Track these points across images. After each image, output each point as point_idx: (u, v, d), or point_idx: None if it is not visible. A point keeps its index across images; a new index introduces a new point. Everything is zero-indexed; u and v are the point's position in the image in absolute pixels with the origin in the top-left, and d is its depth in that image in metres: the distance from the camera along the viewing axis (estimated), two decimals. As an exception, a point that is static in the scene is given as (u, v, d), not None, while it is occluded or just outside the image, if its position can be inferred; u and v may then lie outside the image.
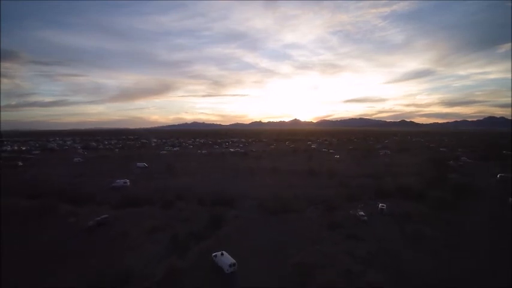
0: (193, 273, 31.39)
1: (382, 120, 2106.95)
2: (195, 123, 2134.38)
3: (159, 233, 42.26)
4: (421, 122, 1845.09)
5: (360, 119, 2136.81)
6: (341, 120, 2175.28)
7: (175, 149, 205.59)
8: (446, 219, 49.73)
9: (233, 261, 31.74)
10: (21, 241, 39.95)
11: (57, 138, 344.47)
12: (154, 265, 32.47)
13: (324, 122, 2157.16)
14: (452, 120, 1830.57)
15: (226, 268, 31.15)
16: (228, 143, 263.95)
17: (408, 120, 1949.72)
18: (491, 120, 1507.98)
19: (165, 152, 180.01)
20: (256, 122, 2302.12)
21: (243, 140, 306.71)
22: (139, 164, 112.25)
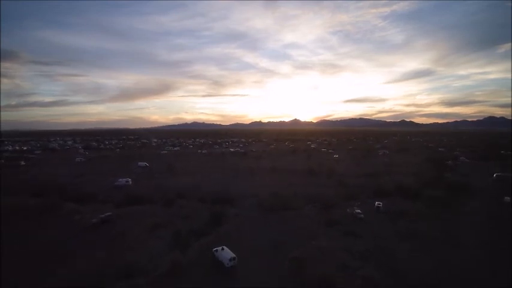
0: (194, 268, 32.64)
1: (382, 120, 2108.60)
2: (195, 123, 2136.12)
3: (161, 230, 43.54)
4: (421, 122, 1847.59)
5: (360, 119, 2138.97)
6: (341, 120, 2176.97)
7: (175, 148, 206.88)
8: (441, 217, 50.99)
9: (233, 255, 33.02)
10: (29, 237, 41.20)
11: (58, 138, 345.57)
12: (158, 259, 33.72)
13: (324, 122, 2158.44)
14: (452, 120, 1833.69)
15: (227, 262, 32.42)
16: (228, 143, 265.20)
17: (408, 120, 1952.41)
18: (491, 120, 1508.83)
19: (165, 151, 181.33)
20: (256, 122, 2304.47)
21: (243, 140, 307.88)
22: (140, 164, 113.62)
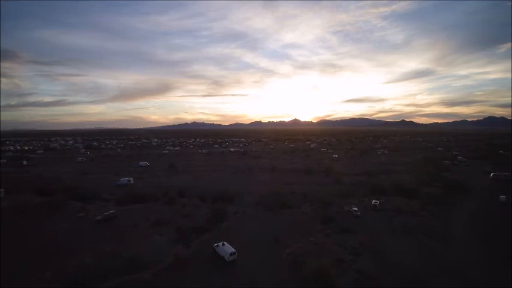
0: (196, 262, 34.18)
1: (382, 120, 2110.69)
2: (194, 123, 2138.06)
3: (164, 227, 45.05)
4: (421, 122, 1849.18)
5: (360, 118, 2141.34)
6: (341, 120, 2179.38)
7: (176, 148, 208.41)
8: (436, 214, 52.50)
9: (233, 250, 34.57)
10: (36, 233, 42.70)
11: (58, 138, 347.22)
12: (161, 254, 35.26)
13: (324, 122, 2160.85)
14: (452, 120, 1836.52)
15: (227, 256, 33.96)
16: (228, 142, 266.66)
17: (408, 120, 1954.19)
18: (491, 120, 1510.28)
19: (166, 151, 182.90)
20: (256, 122, 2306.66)
21: (243, 139, 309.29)
22: (141, 163, 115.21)
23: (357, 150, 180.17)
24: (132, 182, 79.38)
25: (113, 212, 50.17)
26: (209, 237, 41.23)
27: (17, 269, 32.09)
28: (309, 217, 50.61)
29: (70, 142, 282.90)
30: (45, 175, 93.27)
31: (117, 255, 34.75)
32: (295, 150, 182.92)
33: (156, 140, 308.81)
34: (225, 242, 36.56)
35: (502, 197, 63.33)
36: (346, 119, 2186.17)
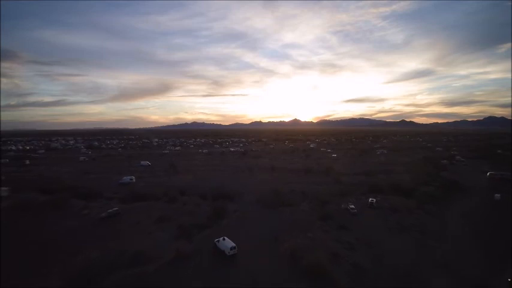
0: (198, 256, 35.55)
1: (382, 120, 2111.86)
2: (195, 123, 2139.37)
3: (166, 223, 46.41)
4: (421, 122, 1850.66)
5: (360, 118, 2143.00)
6: (341, 120, 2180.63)
7: (176, 148, 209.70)
8: (431, 212, 53.82)
9: (233, 244, 35.95)
10: (41, 230, 44.07)
11: (59, 138, 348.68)
12: (164, 249, 36.59)
13: (324, 122, 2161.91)
14: (453, 120, 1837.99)
15: (228, 251, 35.34)
16: (228, 142, 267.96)
17: (408, 120, 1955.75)
18: (491, 120, 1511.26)
19: (167, 151, 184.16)
20: (256, 121, 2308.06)
21: (243, 139, 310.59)
22: (143, 163, 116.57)
23: (357, 150, 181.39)
24: (134, 180, 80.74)
25: (116, 210, 51.58)
26: (210, 233, 42.54)
27: (25, 265, 33.39)
28: (308, 215, 51.88)
29: (71, 142, 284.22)
30: (48, 174, 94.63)
31: (121, 250, 36.07)
32: (295, 150, 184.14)
33: (156, 140, 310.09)
34: (225, 237, 37.93)
35: (497, 195, 64.67)
36: (346, 119, 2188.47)
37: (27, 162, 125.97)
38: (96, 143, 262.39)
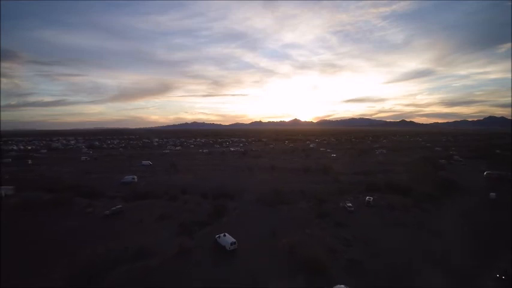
0: (200, 251, 36.89)
1: (383, 120, 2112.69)
2: (195, 123, 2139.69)
3: (168, 221, 47.80)
4: (421, 122, 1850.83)
5: (360, 118, 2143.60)
6: (341, 120, 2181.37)
7: (177, 148, 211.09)
8: (426, 210, 55.08)
9: (234, 240, 37.29)
10: (47, 227, 45.40)
11: (60, 138, 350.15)
12: (167, 244, 37.98)
13: (324, 122, 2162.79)
14: (453, 120, 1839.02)
15: (228, 246, 36.69)
16: (229, 142, 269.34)
17: (408, 120, 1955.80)
18: (491, 120, 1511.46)
19: (167, 151, 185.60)
20: (256, 121, 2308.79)
21: (243, 139, 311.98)
22: (144, 162, 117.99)
23: (356, 150, 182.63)
24: (136, 180, 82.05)
25: (119, 207, 52.95)
26: (210, 230, 43.82)
27: (33, 260, 34.71)
28: (306, 213, 53.16)
29: (72, 142, 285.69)
30: (51, 174, 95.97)
31: (125, 245, 37.38)
32: (295, 150, 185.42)
33: (157, 139, 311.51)
34: (226, 233, 39.24)
35: (492, 194, 65.92)
36: (346, 119, 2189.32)
37: (30, 161, 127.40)
38: (97, 143, 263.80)
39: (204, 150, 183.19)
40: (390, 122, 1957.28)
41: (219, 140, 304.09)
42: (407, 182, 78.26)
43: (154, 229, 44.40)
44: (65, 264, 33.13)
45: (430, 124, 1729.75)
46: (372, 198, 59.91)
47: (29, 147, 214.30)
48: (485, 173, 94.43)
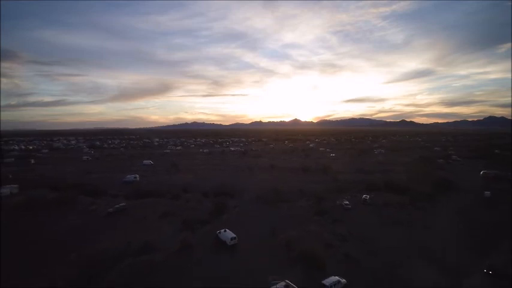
0: (201, 246, 38.38)
1: (383, 120, 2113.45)
2: (195, 123, 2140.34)
3: (170, 218, 49.27)
4: (421, 122, 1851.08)
5: (360, 118, 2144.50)
6: (341, 120, 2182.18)
7: (177, 148, 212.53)
8: (422, 208, 56.50)
9: (234, 235, 38.77)
10: (53, 224, 46.84)
11: (61, 138, 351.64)
12: (170, 240, 39.45)
13: (324, 122, 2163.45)
14: (453, 120, 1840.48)
15: (228, 241, 38.19)
16: (229, 142, 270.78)
17: (408, 120, 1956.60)
18: (491, 120, 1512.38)
19: (168, 150, 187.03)
20: (256, 121, 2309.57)
21: (243, 139, 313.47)
22: (145, 162, 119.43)
23: (356, 150, 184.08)
24: (138, 179, 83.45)
25: (123, 205, 54.42)
26: (212, 227, 45.22)
27: (41, 256, 36.16)
28: (305, 210, 54.58)
29: (73, 142, 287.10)
30: (54, 173, 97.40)
31: (129, 241, 38.82)
32: (295, 150, 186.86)
33: (157, 139, 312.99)
34: (226, 229, 40.72)
35: (487, 192, 67.38)
36: (346, 119, 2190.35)
37: (32, 161, 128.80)
38: (97, 142, 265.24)
39: (205, 150, 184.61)
40: (390, 122, 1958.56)
41: (219, 140, 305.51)
42: (405, 181, 79.65)
43: (158, 226, 45.83)
44: (71, 259, 34.52)
45: (430, 124, 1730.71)
46: (368, 196, 61.35)
47: (31, 147, 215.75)
48: (481, 173, 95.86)
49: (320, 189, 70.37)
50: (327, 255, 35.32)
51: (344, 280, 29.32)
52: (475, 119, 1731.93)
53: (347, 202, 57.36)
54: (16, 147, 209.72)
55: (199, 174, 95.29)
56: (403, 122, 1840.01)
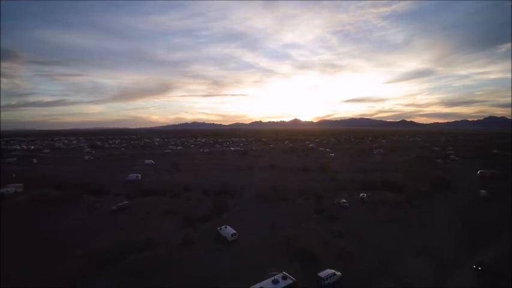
0: (203, 241, 39.87)
1: (383, 120, 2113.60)
2: (195, 123, 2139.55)
3: (172, 215, 50.74)
4: (421, 122, 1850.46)
5: (360, 118, 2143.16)
6: (341, 120, 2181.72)
7: (178, 148, 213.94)
8: (418, 206, 57.80)
9: (234, 231, 40.22)
10: (58, 221, 48.26)
11: (62, 138, 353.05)
12: (172, 236, 40.93)
13: (324, 122, 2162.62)
14: (453, 120, 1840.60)
15: (229, 237, 39.62)
16: (229, 142, 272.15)
17: (408, 120, 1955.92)
18: (491, 120, 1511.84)
19: (168, 150, 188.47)
20: (256, 121, 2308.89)
21: (243, 139, 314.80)
22: (147, 161, 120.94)
23: (355, 150, 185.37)
24: (140, 178, 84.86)
25: (126, 203, 55.91)
26: (212, 224, 46.66)
27: (49, 251, 37.59)
28: (303, 209, 55.98)
29: (74, 142, 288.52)
30: (57, 172, 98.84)
31: (133, 237, 40.20)
32: (294, 150, 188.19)
33: (158, 139, 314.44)
34: (227, 226, 42.15)
35: (483, 191, 68.60)
36: (346, 119, 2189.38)
37: (35, 161, 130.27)
38: (98, 142, 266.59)
39: (205, 150, 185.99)
40: (390, 122, 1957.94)
41: (220, 140, 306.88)
42: (402, 180, 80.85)
43: (160, 223, 47.28)
44: (77, 255, 35.91)
45: (430, 124, 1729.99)
46: (365, 194, 62.72)
47: (32, 147, 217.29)
48: (478, 172, 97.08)
49: (319, 188, 71.69)
50: (324, 251, 36.71)
51: (339, 273, 30.70)
52: (475, 119, 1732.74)
53: (344, 200, 58.74)
54: (18, 147, 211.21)
55: (200, 174, 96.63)
56: (403, 122, 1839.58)
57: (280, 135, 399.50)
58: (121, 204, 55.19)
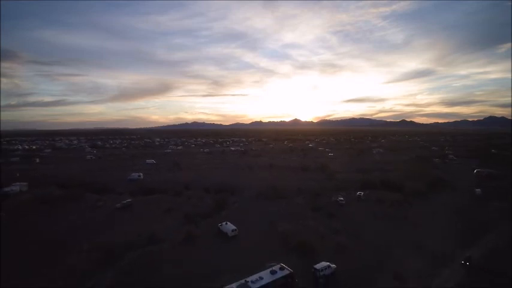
0: (204, 237, 41.41)
1: (383, 120, 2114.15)
2: (195, 123, 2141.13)
3: (174, 213, 52.22)
4: (421, 122, 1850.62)
5: (360, 118, 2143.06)
6: (341, 120, 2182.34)
7: (178, 147, 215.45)
8: (414, 204, 59.19)
9: (235, 227, 41.73)
10: (63, 219, 49.75)
11: (63, 138, 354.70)
12: (175, 232, 42.44)
13: (324, 122, 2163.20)
14: (453, 120, 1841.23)
15: (230, 232, 41.14)
16: (229, 142, 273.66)
17: (408, 120, 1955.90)
18: (491, 120, 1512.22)
19: (169, 150, 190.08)
20: (256, 121, 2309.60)
21: (243, 139, 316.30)
22: (148, 161, 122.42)
23: (354, 150, 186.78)
24: (142, 177, 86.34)
25: (129, 201, 57.43)
26: (213, 221, 48.13)
27: (57, 247, 39.07)
28: (301, 207, 57.44)
29: (75, 142, 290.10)
30: (60, 171, 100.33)
31: (138, 233, 41.72)
32: (294, 150, 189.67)
33: (158, 139, 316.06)
34: (228, 222, 43.66)
35: (478, 190, 70.02)
36: (346, 119, 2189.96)
37: (37, 160, 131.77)
38: (99, 142, 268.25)
39: (205, 150, 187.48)
40: (390, 122, 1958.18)
41: (220, 139, 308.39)
42: (399, 179, 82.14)
43: (163, 220, 48.79)
44: (84, 250, 37.37)
45: (430, 124, 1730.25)
46: (362, 193, 64.16)
47: (34, 147, 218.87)
48: (475, 171, 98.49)
49: (317, 187, 73.09)
50: (321, 245, 38.18)
51: (334, 265, 32.17)
52: (475, 119, 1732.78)
53: (341, 198, 60.19)
54: (19, 147, 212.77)
55: (201, 173, 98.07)
56: (403, 122, 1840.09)
57: (280, 135, 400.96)
58: (124, 202, 56.72)
